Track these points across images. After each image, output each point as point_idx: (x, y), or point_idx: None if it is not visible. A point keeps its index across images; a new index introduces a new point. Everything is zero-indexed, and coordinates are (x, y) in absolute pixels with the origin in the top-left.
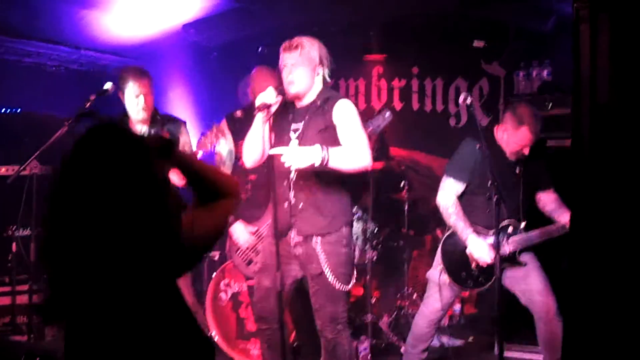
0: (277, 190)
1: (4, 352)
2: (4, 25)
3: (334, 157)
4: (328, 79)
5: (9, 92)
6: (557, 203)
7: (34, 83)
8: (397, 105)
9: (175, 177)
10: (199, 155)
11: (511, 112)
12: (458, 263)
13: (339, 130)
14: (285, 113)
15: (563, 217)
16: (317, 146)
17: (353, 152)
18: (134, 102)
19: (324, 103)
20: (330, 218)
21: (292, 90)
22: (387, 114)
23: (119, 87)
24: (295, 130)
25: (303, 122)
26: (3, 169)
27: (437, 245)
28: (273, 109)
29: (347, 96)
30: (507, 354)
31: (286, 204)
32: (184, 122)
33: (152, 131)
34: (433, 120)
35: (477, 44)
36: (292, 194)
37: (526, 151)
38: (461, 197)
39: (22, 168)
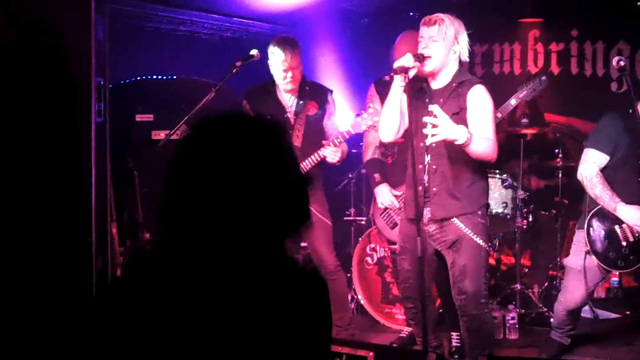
0: (413, 171)
1: None
2: None
3: (475, 142)
4: (465, 59)
5: (165, 60)
6: None
7: (189, 51)
8: (555, 69)
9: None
10: (351, 134)
11: None
12: (606, 244)
13: (469, 115)
14: (422, 95)
15: None
16: (464, 127)
17: (490, 144)
18: (282, 75)
19: (459, 86)
20: (465, 201)
21: (426, 67)
22: (543, 78)
23: (267, 57)
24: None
25: (438, 105)
26: (163, 134)
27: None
28: (411, 73)
29: (501, 61)
30: None
31: (420, 187)
32: (331, 91)
33: (300, 102)
34: (593, 85)
35: None
36: (426, 177)
37: None
38: (602, 172)
39: (171, 133)
